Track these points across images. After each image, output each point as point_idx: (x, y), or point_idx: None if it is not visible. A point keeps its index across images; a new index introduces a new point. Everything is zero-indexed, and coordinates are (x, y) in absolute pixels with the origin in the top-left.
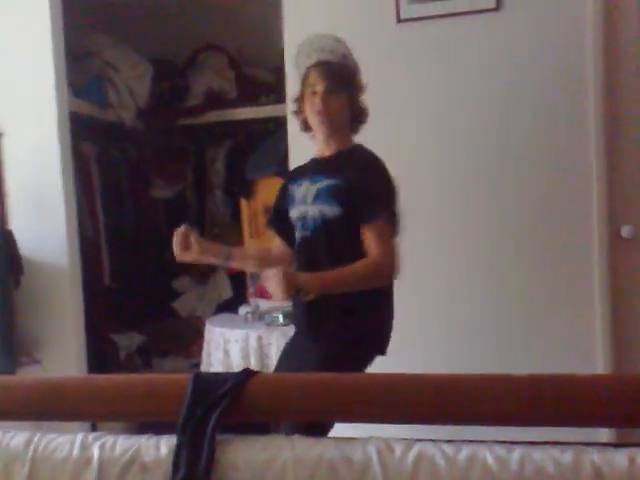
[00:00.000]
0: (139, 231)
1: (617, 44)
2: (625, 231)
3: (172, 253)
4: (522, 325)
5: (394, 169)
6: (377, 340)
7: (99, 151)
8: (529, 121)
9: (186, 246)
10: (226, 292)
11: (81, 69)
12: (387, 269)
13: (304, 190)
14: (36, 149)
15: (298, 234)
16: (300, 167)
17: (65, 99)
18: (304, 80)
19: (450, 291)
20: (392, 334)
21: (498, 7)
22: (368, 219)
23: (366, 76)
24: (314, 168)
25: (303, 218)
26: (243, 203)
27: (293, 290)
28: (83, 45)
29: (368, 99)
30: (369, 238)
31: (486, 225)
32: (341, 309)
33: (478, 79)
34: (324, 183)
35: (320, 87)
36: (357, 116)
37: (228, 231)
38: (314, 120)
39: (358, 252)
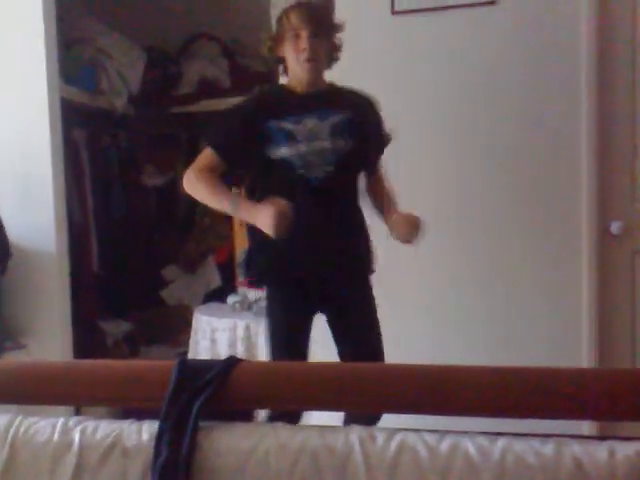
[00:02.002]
0: (129, 218)
1: (611, 39)
2: (614, 227)
3: (161, 240)
4: (509, 319)
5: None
6: None
7: (90, 138)
8: (521, 116)
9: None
10: (215, 281)
11: (73, 55)
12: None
13: (312, 126)
14: (26, 135)
15: (310, 171)
16: (276, 102)
17: (56, 85)
18: (283, 21)
19: (436, 287)
20: None
21: (494, 1)
22: (381, 150)
23: (360, 67)
24: (308, 103)
25: (321, 154)
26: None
27: None
28: (75, 31)
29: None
30: (379, 164)
31: (474, 220)
32: (365, 233)
33: (472, 72)
34: (338, 117)
35: (305, 32)
36: (333, 54)
37: (218, 221)
38: (299, 66)
39: (357, 184)
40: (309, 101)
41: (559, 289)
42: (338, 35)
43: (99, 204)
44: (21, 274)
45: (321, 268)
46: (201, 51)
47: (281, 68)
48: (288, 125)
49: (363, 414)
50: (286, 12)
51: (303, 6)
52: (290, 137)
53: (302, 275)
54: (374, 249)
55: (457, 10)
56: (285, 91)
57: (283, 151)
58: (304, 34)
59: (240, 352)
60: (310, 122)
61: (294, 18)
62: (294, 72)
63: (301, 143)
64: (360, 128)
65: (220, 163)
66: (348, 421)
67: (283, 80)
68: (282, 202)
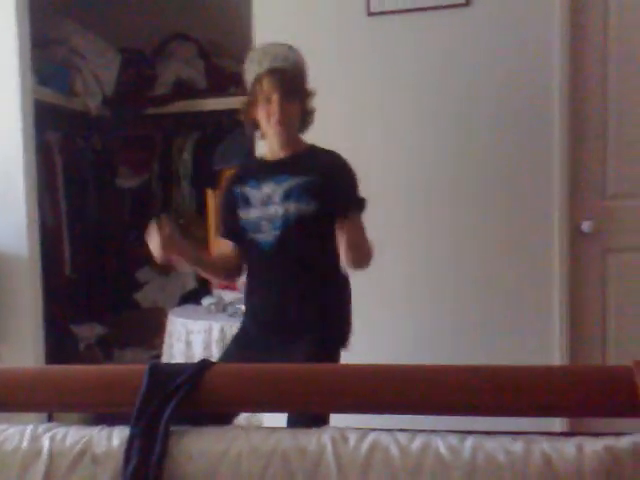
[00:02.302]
0: (102, 221)
1: (584, 39)
2: (585, 226)
3: (136, 243)
4: (480, 317)
5: (362, 159)
6: (348, 331)
7: (64, 140)
8: (494, 116)
9: (167, 243)
10: (190, 283)
11: (47, 56)
12: (371, 254)
13: (268, 190)
14: None
15: (261, 236)
16: (245, 170)
17: (29, 87)
18: (256, 86)
19: (409, 283)
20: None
21: (468, 2)
22: (347, 212)
23: (336, 68)
24: (272, 169)
25: (270, 218)
26: (209, 194)
27: None
28: (49, 32)
29: (338, 90)
30: (349, 228)
31: (447, 218)
32: (319, 300)
33: (447, 73)
34: (295, 181)
35: (275, 96)
36: (306, 118)
37: (193, 222)
38: (271, 129)
39: (326, 248)
40: (274, 166)
41: (531, 287)
42: (310, 100)
43: (72, 206)
44: None
45: (264, 328)
46: (176, 52)
47: (252, 129)
48: (247, 190)
49: (308, 416)
50: (259, 77)
51: (275, 72)
52: (247, 202)
53: (254, 327)
54: (345, 320)
55: (432, 12)
56: (258, 159)
57: (241, 215)
58: (275, 98)
59: (215, 354)
60: (267, 187)
61: (266, 83)
62: (267, 136)
63: (255, 208)
64: (322, 191)
65: (229, 242)
66: (291, 422)
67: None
68: (166, 228)
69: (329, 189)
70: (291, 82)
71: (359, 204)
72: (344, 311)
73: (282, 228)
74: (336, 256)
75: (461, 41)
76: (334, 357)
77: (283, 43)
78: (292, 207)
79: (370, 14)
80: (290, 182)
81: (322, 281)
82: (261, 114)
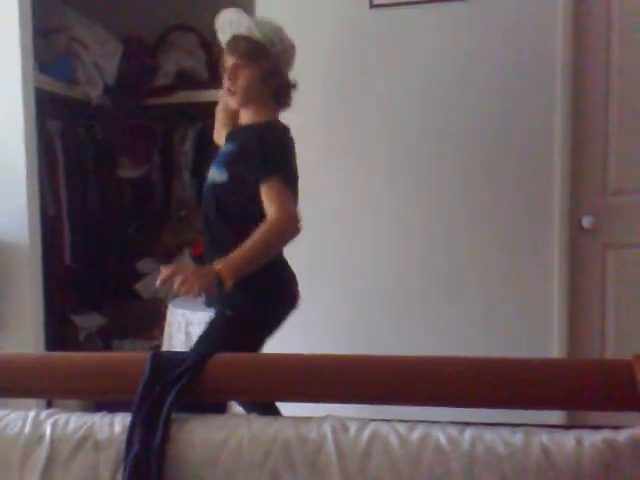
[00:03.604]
0: (103, 210)
1: (586, 34)
2: (586, 221)
3: (136, 233)
4: (481, 311)
5: (364, 152)
6: (259, 313)
7: (64, 128)
8: (496, 111)
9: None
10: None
11: (48, 45)
12: (286, 225)
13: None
14: (0, 125)
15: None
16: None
17: (31, 75)
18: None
19: (406, 277)
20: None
21: None
22: (262, 179)
23: (337, 61)
24: (227, 136)
25: (206, 182)
26: (200, 214)
27: (209, 288)
28: (51, 20)
29: (339, 83)
30: (265, 199)
31: (447, 213)
32: None
33: (449, 67)
34: (224, 148)
35: (227, 64)
36: (278, 89)
37: (194, 213)
38: (225, 97)
39: (247, 221)
40: (229, 134)
41: (531, 282)
42: (280, 70)
43: (73, 196)
44: None
45: None
46: (178, 42)
47: None
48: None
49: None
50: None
51: (230, 40)
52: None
53: None
54: (254, 302)
55: (435, 4)
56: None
57: None
58: (227, 66)
59: None
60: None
61: (224, 52)
62: None
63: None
64: (235, 161)
65: None
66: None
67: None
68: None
69: (245, 158)
70: (243, 48)
71: (278, 175)
72: (252, 293)
73: (205, 194)
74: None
75: (463, 34)
76: (239, 336)
77: (233, 8)
78: (211, 174)
79: (373, 6)
80: (222, 149)
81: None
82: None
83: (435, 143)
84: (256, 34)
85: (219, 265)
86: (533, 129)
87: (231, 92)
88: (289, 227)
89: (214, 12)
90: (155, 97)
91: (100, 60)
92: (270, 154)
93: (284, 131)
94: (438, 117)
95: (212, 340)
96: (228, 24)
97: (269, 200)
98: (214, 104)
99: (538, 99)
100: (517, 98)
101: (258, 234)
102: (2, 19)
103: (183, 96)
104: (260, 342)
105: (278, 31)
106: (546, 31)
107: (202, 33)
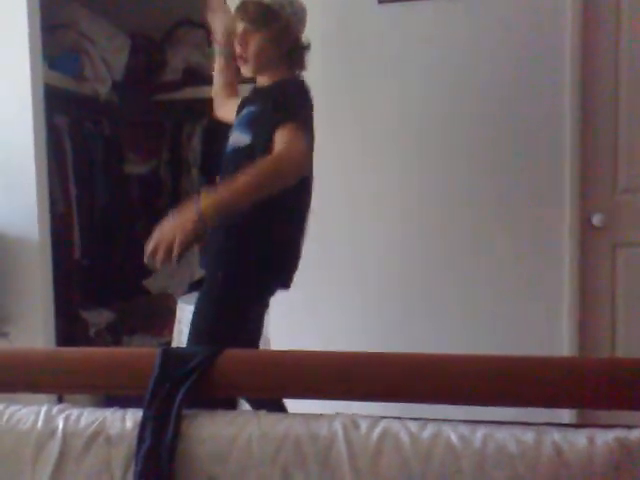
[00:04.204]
0: (112, 207)
1: (596, 31)
2: (596, 219)
3: (145, 229)
4: (491, 310)
5: (372, 148)
6: (269, 269)
7: (73, 124)
8: (505, 109)
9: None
10: (199, 270)
11: (56, 40)
12: (287, 163)
13: (236, 119)
14: (9, 121)
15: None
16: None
17: (39, 70)
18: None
19: (416, 273)
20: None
21: None
22: (277, 125)
23: (346, 56)
24: (246, 98)
25: (226, 146)
26: (218, 181)
27: (196, 232)
28: (59, 16)
29: (347, 77)
30: (277, 143)
31: (457, 210)
32: (224, 232)
33: (458, 63)
34: (244, 111)
35: (238, 30)
36: (290, 52)
37: None
38: (239, 63)
39: None
40: (248, 96)
41: (541, 279)
42: (293, 31)
43: (82, 192)
44: (3, 262)
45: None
46: (186, 38)
47: None
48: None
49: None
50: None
51: (239, 6)
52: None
53: None
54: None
55: (444, 0)
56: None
57: None
58: (237, 32)
59: None
60: (238, 115)
61: (233, 19)
62: None
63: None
64: (257, 122)
65: None
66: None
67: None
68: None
69: (266, 117)
70: (252, 13)
71: (294, 121)
72: (246, 269)
73: (225, 157)
74: (264, 210)
75: (473, 30)
76: (217, 312)
77: None
78: (233, 137)
79: (381, 2)
80: (242, 113)
81: (237, 228)
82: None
83: (442, 140)
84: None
85: (204, 204)
86: (542, 127)
87: (243, 59)
88: (288, 165)
89: None
90: (163, 93)
91: (108, 56)
92: (286, 102)
93: (301, 83)
94: (445, 114)
95: (205, 310)
96: None
97: (278, 143)
98: None
99: (547, 97)
100: (525, 95)
101: (256, 166)
102: (11, 16)
103: (191, 92)
104: (250, 312)
105: None
106: (555, 27)
107: (209, 29)
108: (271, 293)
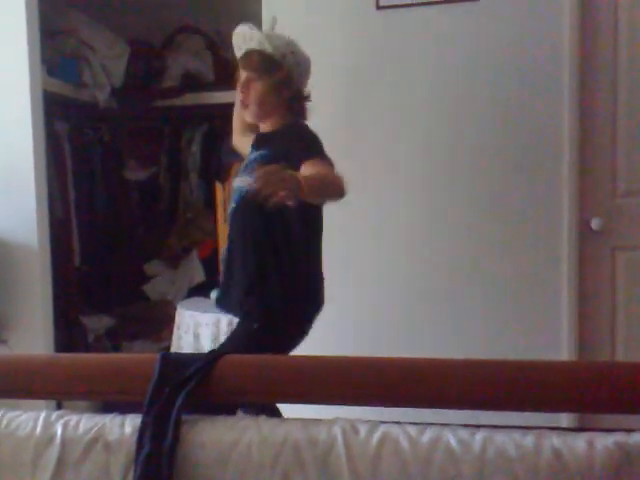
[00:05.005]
0: (111, 213)
1: (594, 35)
2: (595, 223)
3: (144, 235)
4: (489, 313)
5: (373, 154)
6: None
7: (72, 131)
8: (504, 112)
9: None
10: (198, 276)
11: (55, 47)
12: (339, 182)
13: (243, 163)
14: (8, 127)
15: (229, 206)
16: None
17: (39, 77)
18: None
19: (416, 278)
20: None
21: None
22: (303, 159)
23: (344, 62)
24: (254, 142)
25: (235, 190)
26: (218, 187)
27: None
28: (58, 23)
29: (347, 85)
30: (310, 171)
31: (456, 214)
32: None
33: (456, 68)
34: (253, 155)
35: (241, 79)
36: (291, 100)
37: (201, 215)
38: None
39: (274, 233)
40: (255, 140)
41: (540, 283)
42: (295, 80)
43: (81, 198)
44: (2, 268)
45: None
46: (185, 44)
47: None
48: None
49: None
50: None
51: (243, 55)
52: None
53: None
54: (261, 304)
55: (442, 5)
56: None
57: None
58: (240, 81)
59: None
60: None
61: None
62: None
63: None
64: (275, 161)
65: None
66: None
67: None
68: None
69: (279, 158)
70: (255, 62)
71: (319, 156)
72: (276, 300)
73: (237, 201)
74: (283, 247)
75: (470, 35)
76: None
77: (245, 23)
78: (245, 180)
79: (379, 7)
80: (250, 156)
81: (258, 267)
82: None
83: (441, 144)
84: (267, 47)
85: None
86: (541, 131)
87: (245, 105)
88: (340, 185)
89: (220, 14)
90: (162, 99)
91: (107, 62)
92: (308, 142)
93: (307, 127)
94: (445, 119)
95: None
96: (242, 40)
97: (315, 170)
98: (221, 106)
99: (546, 100)
100: (524, 99)
101: (324, 171)
102: (10, 22)
103: (190, 98)
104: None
105: (290, 44)
106: (554, 30)
107: (208, 35)
108: (311, 321)
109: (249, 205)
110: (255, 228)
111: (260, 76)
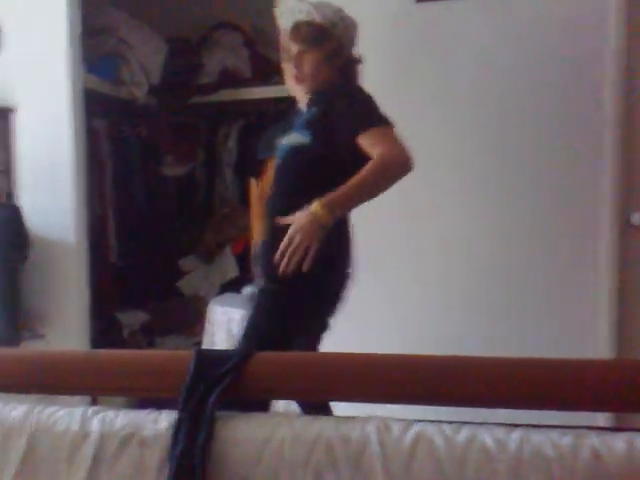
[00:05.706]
0: (148, 209)
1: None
2: (635, 218)
3: (180, 231)
4: (527, 308)
5: (413, 148)
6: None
7: (111, 128)
8: (544, 106)
9: None
10: (232, 272)
11: (95, 45)
12: (396, 163)
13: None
14: (48, 125)
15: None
16: None
17: (79, 75)
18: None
19: (454, 276)
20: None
21: None
22: (359, 130)
23: (383, 56)
24: (308, 102)
25: (278, 149)
26: (252, 183)
27: (320, 232)
28: (98, 21)
29: (384, 78)
30: (369, 147)
31: (495, 209)
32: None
33: (496, 62)
34: (302, 117)
35: (292, 52)
36: (344, 68)
37: (237, 211)
38: (292, 86)
39: (325, 187)
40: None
41: (578, 279)
42: (346, 49)
43: (119, 194)
44: (40, 263)
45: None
46: (222, 41)
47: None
48: None
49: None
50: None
51: (292, 27)
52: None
53: None
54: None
55: None
56: None
57: None
58: (292, 54)
59: None
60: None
61: (286, 40)
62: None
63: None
64: (324, 122)
65: None
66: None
67: None
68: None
69: (331, 119)
70: (305, 34)
71: (376, 121)
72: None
73: (279, 156)
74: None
75: (511, 29)
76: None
77: None
78: (289, 139)
79: (419, 1)
80: (300, 117)
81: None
82: (286, 71)
83: (481, 139)
84: (316, 18)
85: (317, 205)
86: (583, 123)
87: (299, 79)
88: (395, 166)
89: (257, 10)
90: (199, 95)
91: (145, 60)
92: (363, 107)
93: (362, 88)
94: (485, 114)
95: (261, 321)
96: (289, 12)
97: (373, 145)
98: (257, 101)
99: (588, 94)
100: (565, 93)
101: (366, 174)
102: (51, 20)
103: (227, 94)
104: (313, 319)
105: (338, 11)
106: (597, 24)
107: (246, 31)
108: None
109: (294, 161)
110: (307, 182)
111: (311, 48)
